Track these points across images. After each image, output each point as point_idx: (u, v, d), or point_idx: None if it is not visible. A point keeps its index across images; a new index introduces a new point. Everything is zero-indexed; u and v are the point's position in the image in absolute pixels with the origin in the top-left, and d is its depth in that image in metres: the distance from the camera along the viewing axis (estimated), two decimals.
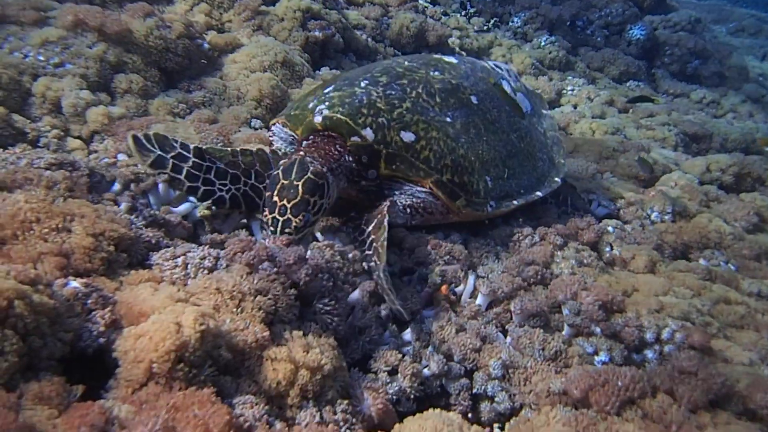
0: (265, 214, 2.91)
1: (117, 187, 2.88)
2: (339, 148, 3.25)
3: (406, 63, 3.80)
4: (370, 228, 3.11)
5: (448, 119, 3.50)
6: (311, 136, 3.32)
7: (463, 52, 8.43)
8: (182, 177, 3.01)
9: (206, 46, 5.08)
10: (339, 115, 3.27)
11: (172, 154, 3.03)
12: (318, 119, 3.29)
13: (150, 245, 2.56)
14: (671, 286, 3.38)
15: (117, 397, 1.82)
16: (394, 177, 3.33)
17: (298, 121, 3.42)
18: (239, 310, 2.21)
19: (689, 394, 2.42)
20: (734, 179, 5.86)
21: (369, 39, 7.12)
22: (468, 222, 3.63)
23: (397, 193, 3.38)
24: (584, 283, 3.18)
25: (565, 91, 8.88)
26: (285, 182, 2.90)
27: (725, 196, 5.34)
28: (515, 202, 3.67)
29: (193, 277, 2.40)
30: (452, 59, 4.04)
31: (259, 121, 4.75)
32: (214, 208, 3.11)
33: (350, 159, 3.26)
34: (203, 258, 2.46)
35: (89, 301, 2.06)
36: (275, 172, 3.00)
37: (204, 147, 3.21)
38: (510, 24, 10.81)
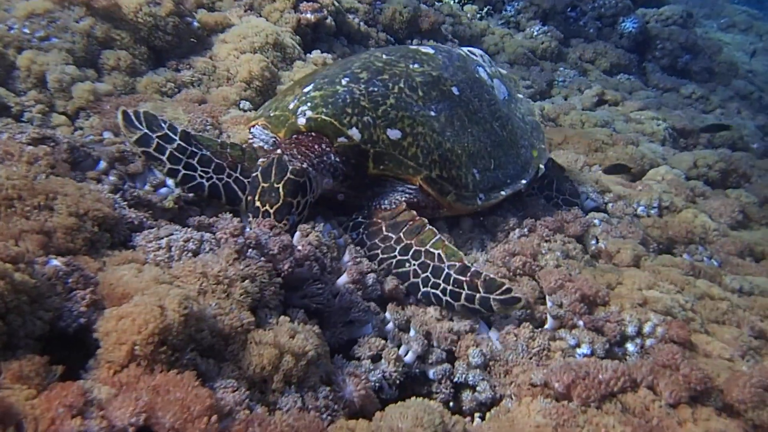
0: (249, 219, 2.88)
1: (102, 165, 2.82)
2: (324, 147, 3.18)
3: (384, 57, 3.72)
4: (401, 233, 3.06)
5: (432, 113, 3.46)
6: (294, 136, 3.25)
7: (456, 40, 8.39)
8: (164, 158, 2.94)
9: (196, 24, 4.99)
10: (324, 116, 3.19)
11: (159, 134, 2.97)
12: (302, 121, 3.21)
13: (133, 226, 2.52)
14: (655, 281, 3.40)
15: (97, 378, 1.80)
16: (383, 176, 3.28)
17: (280, 122, 3.32)
18: (225, 294, 2.19)
19: (670, 388, 2.45)
20: (720, 175, 5.91)
21: (361, 23, 7.04)
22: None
23: (388, 190, 3.33)
24: (569, 275, 3.19)
25: (556, 82, 8.88)
26: (265, 185, 2.84)
27: (711, 192, 5.39)
28: (503, 192, 3.65)
29: (177, 259, 2.37)
30: (429, 50, 3.99)
31: (248, 102, 4.70)
32: (191, 195, 3.03)
33: (336, 159, 3.19)
34: (187, 240, 2.43)
35: (70, 280, 2.02)
36: (254, 174, 2.93)
37: (193, 133, 3.15)
38: (503, 12, 10.77)
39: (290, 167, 2.87)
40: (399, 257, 3.00)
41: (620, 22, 11.05)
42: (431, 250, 2.97)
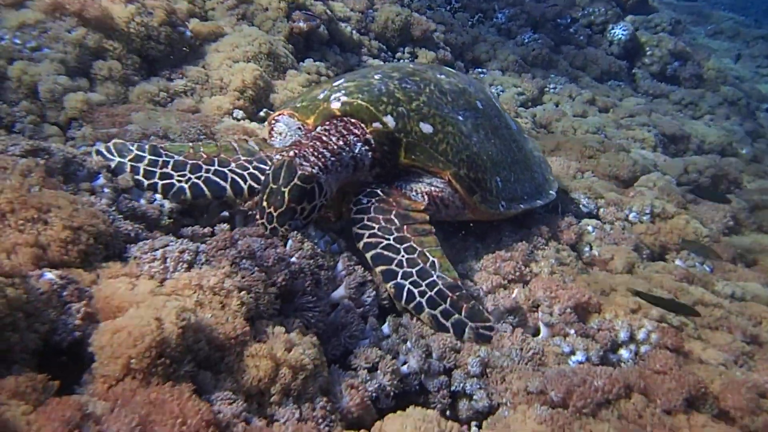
0: (256, 216, 2.89)
1: (102, 180, 2.82)
2: (351, 138, 3.20)
3: (411, 66, 3.86)
4: (405, 225, 3.07)
5: (460, 118, 3.55)
6: (326, 123, 3.27)
7: (448, 48, 8.42)
8: (140, 176, 2.97)
9: (189, 34, 5.00)
10: (360, 101, 3.28)
11: (130, 157, 3.02)
12: (336, 105, 3.28)
13: (129, 238, 2.52)
14: (649, 287, 3.42)
15: (92, 392, 1.79)
16: (413, 166, 3.33)
17: (309, 110, 3.39)
18: (221, 305, 2.18)
19: (664, 394, 2.46)
20: (711, 181, 5.95)
21: (354, 31, 7.06)
22: (449, 221, 3.62)
23: (416, 180, 3.37)
24: (562, 282, 3.21)
25: (547, 89, 8.93)
26: (273, 186, 2.84)
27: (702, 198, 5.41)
28: (522, 206, 3.72)
29: (172, 271, 2.36)
30: (451, 69, 4.19)
31: (241, 111, 4.70)
32: (180, 206, 3.03)
33: (365, 148, 3.23)
34: (182, 252, 2.42)
35: (65, 293, 2.02)
36: (267, 172, 2.94)
37: (162, 144, 3.19)
38: (494, 20, 10.83)
39: (299, 172, 2.86)
40: (392, 242, 2.99)
41: (610, 30, 11.14)
42: (427, 254, 2.98)
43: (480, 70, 9.18)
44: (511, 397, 2.59)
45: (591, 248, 3.94)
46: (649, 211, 4.65)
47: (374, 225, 3.05)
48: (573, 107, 8.17)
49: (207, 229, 2.95)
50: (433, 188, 3.36)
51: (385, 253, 2.95)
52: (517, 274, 3.26)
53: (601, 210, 4.63)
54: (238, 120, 4.59)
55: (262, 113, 4.91)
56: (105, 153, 3.01)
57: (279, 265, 2.45)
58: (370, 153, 3.25)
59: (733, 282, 4.03)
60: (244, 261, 2.38)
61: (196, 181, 3.03)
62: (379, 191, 3.23)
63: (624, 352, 2.97)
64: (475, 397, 2.64)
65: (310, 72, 5.53)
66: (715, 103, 10.24)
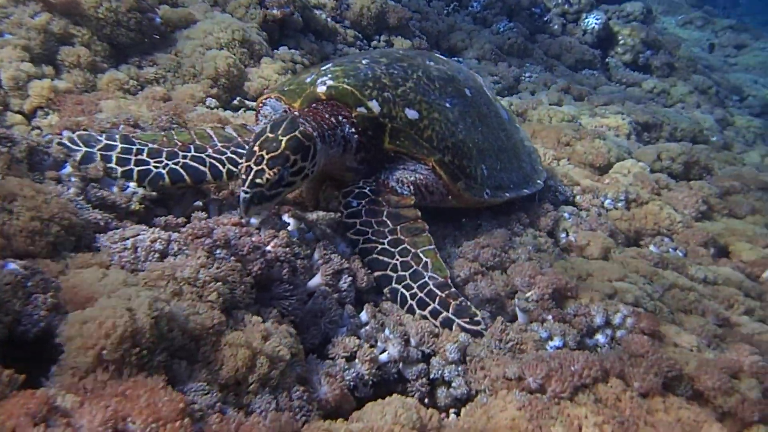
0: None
1: (68, 169, 2.72)
2: (341, 119, 3.19)
3: (401, 52, 3.85)
4: (398, 227, 3.07)
5: (447, 105, 3.55)
6: (312, 106, 3.24)
7: (424, 36, 8.38)
8: (113, 164, 2.84)
9: (159, 20, 4.88)
10: (345, 85, 3.26)
11: (99, 146, 2.88)
12: (322, 89, 3.26)
13: (98, 227, 2.44)
14: (625, 273, 3.45)
15: (61, 384, 1.73)
16: (397, 152, 3.32)
17: (295, 94, 3.35)
18: (198, 297, 2.13)
19: (641, 376, 2.47)
20: (683, 167, 6.02)
21: (329, 19, 6.98)
22: (429, 208, 3.61)
23: (400, 167, 3.35)
24: (540, 268, 3.21)
25: (523, 78, 8.96)
26: (270, 135, 2.75)
27: (675, 184, 5.48)
28: (507, 194, 3.73)
29: (144, 260, 2.31)
30: (442, 57, 4.19)
31: (214, 100, 4.62)
32: (155, 194, 2.93)
33: (352, 131, 3.22)
34: (154, 241, 2.36)
35: (29, 284, 1.94)
36: (263, 126, 2.85)
37: (133, 134, 3.09)
38: (469, 9, 10.82)
39: (300, 127, 2.82)
40: (387, 246, 3.00)
41: (584, 19, 11.22)
42: (421, 255, 2.98)
43: (456, 58, 9.16)
44: (490, 384, 2.58)
45: (567, 234, 3.95)
46: (624, 197, 4.69)
47: (367, 230, 3.05)
48: (548, 96, 8.21)
49: (180, 219, 2.88)
50: (417, 176, 3.36)
51: (381, 258, 2.97)
52: (496, 260, 3.26)
53: (577, 197, 4.67)
54: (212, 108, 4.51)
55: (235, 101, 4.83)
56: (68, 144, 2.85)
57: (254, 253, 2.41)
58: (356, 136, 3.24)
59: (705, 266, 4.09)
60: (219, 250, 2.33)
61: (174, 166, 2.93)
62: (367, 190, 3.20)
63: (600, 337, 2.98)
64: (453, 384, 2.63)
65: (285, 60, 5.45)
66: (686, 92, 10.38)
